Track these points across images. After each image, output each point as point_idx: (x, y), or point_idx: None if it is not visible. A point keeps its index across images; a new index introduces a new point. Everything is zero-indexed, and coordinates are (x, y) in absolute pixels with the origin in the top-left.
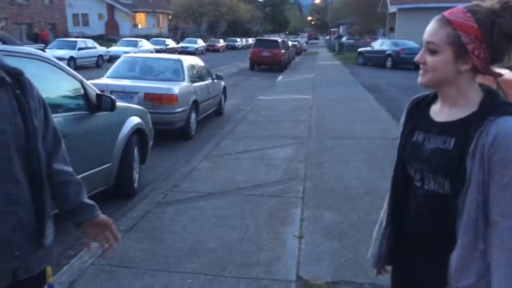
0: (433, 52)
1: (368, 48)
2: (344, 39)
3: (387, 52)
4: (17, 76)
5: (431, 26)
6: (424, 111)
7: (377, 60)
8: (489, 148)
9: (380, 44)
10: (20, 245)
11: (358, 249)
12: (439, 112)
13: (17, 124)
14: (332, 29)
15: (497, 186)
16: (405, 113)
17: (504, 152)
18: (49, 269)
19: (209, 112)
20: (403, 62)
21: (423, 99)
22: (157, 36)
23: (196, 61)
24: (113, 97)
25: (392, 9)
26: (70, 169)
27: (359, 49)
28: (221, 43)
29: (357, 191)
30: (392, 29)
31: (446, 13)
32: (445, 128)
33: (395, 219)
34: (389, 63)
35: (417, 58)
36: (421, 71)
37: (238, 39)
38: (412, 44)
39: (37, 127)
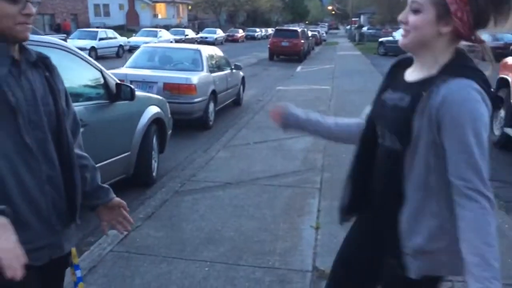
0: (416, 11)
1: (390, 38)
2: (364, 29)
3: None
4: (45, 60)
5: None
6: (402, 72)
7: (399, 50)
8: (438, 108)
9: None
10: (55, 224)
11: None
12: (411, 73)
13: (49, 104)
14: (353, 19)
15: (452, 149)
16: (386, 72)
17: (454, 114)
18: (74, 250)
19: (227, 102)
20: None
21: (405, 60)
22: (177, 26)
23: (215, 51)
24: (132, 86)
25: None
26: (85, 154)
27: (380, 39)
28: (241, 33)
29: None
30: None
31: None
32: (407, 87)
33: (359, 173)
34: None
35: (400, 16)
36: (402, 32)
37: (258, 29)
38: None
39: (65, 109)
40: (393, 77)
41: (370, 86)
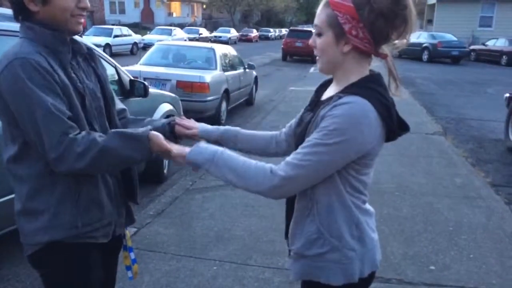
0: (319, 34)
1: None
2: None
3: (424, 45)
4: (89, 51)
5: (318, 9)
6: (322, 92)
7: (413, 53)
8: (322, 117)
9: (416, 37)
10: (119, 202)
11: (386, 244)
12: (327, 92)
13: (98, 92)
14: None
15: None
16: (313, 93)
17: (328, 120)
18: (128, 233)
19: (240, 101)
20: (441, 55)
21: (328, 82)
22: (191, 25)
23: (229, 50)
24: (146, 83)
25: (431, 0)
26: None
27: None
28: (254, 33)
29: (387, 186)
30: (430, 22)
31: None
32: (317, 104)
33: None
34: (425, 56)
35: (309, 41)
36: (317, 58)
37: (271, 29)
38: (450, 37)
39: (113, 95)
40: (315, 97)
41: None
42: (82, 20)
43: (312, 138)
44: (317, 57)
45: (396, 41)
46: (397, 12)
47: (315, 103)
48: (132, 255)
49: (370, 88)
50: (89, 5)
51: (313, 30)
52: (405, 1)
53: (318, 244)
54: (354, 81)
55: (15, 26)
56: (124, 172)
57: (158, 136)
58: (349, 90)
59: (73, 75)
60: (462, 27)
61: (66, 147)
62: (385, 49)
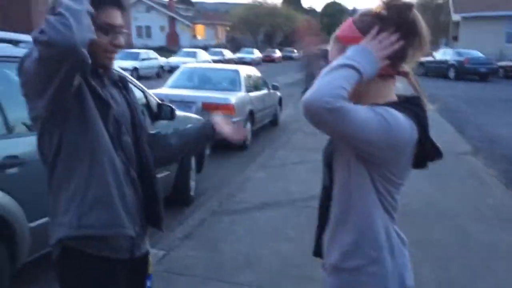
0: None
1: (429, 58)
2: None
3: (449, 62)
4: (122, 79)
5: (329, 46)
6: None
7: (439, 71)
8: None
9: (442, 54)
10: (138, 223)
11: (418, 269)
12: None
13: (128, 118)
14: None
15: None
16: None
17: None
18: (150, 259)
19: (265, 122)
20: (468, 72)
21: None
22: (215, 47)
23: (253, 71)
24: (173, 106)
25: (455, 17)
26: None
27: (420, 59)
28: (278, 53)
29: (417, 207)
30: (455, 39)
31: (338, 30)
32: None
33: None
34: (452, 73)
35: None
36: None
37: (295, 50)
38: (477, 54)
39: (143, 122)
40: None
41: None
42: (115, 55)
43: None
44: None
45: (415, 56)
46: (408, 29)
47: None
48: (148, 283)
49: (404, 106)
50: (123, 43)
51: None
52: (414, 17)
53: (357, 256)
54: (386, 102)
55: (18, 51)
56: (148, 195)
57: None
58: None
59: (93, 83)
60: (488, 43)
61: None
62: (405, 66)
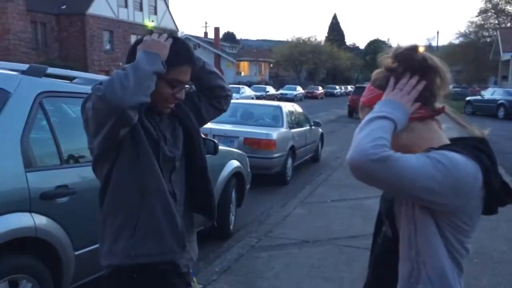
0: None
1: (478, 97)
2: (450, 87)
3: (499, 102)
4: (181, 111)
5: (360, 114)
6: None
7: (488, 110)
8: None
9: (491, 93)
10: (181, 236)
11: None
12: None
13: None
14: None
15: None
16: None
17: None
18: (195, 281)
19: (305, 158)
20: None
21: None
22: (258, 83)
23: (295, 107)
24: (216, 141)
25: (505, 56)
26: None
27: (468, 98)
28: (320, 90)
29: None
30: (505, 78)
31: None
32: None
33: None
34: (501, 113)
35: None
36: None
37: (337, 86)
38: None
39: (202, 151)
40: None
41: None
42: (171, 107)
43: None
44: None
45: (441, 91)
46: (420, 68)
47: None
48: None
49: (462, 146)
50: (183, 97)
51: None
52: (419, 56)
53: None
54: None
55: (73, 87)
56: (198, 189)
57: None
58: (444, 147)
59: (148, 124)
60: None
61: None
62: (438, 104)
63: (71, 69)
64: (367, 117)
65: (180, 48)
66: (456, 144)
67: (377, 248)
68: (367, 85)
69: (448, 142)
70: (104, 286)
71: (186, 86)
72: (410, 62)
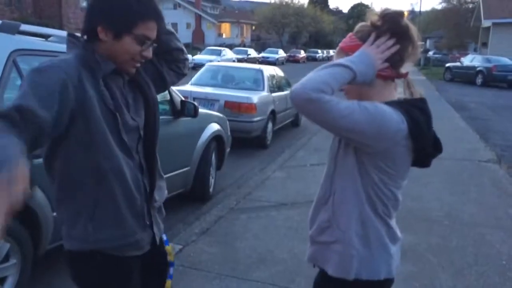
0: None
1: (457, 64)
2: (430, 53)
3: (478, 69)
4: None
5: (334, 57)
6: None
7: (466, 77)
8: None
9: (470, 60)
10: (145, 219)
11: (434, 275)
12: None
13: (141, 110)
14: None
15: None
16: None
17: None
18: (169, 248)
19: (286, 122)
20: (495, 79)
21: None
22: (239, 46)
23: (276, 71)
24: (196, 104)
25: (486, 23)
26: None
27: (447, 64)
28: (302, 54)
29: (436, 214)
30: (484, 45)
31: (341, 43)
32: None
33: None
34: (479, 80)
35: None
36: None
37: (319, 51)
38: (506, 61)
39: (158, 123)
40: None
41: (435, 112)
42: (136, 67)
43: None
44: (346, 96)
45: (410, 60)
46: (402, 32)
47: None
48: (171, 270)
49: (397, 104)
50: (151, 55)
51: None
52: (406, 23)
53: (327, 233)
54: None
55: (48, 45)
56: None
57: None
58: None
59: (105, 92)
60: None
61: None
62: (403, 70)
63: (46, 26)
64: (335, 61)
65: (146, 0)
66: (397, 102)
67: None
68: (349, 34)
69: (394, 99)
70: (69, 270)
71: (153, 44)
72: (394, 24)
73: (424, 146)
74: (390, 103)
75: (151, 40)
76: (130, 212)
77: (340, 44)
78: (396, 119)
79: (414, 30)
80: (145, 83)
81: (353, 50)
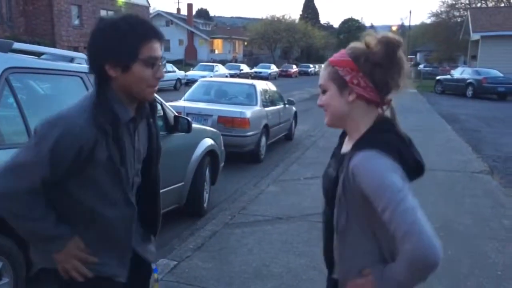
0: (323, 92)
1: (447, 76)
2: (421, 66)
3: (468, 81)
4: (153, 108)
5: (321, 72)
6: (342, 142)
7: (457, 89)
8: (348, 180)
9: (460, 72)
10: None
11: (430, 286)
12: (345, 144)
13: (145, 150)
14: (409, 56)
15: (380, 213)
16: (338, 142)
17: (363, 184)
18: (155, 277)
19: (279, 136)
20: (486, 91)
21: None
22: (231, 61)
23: (269, 86)
24: (189, 119)
25: (474, 36)
26: None
27: (438, 77)
28: (294, 68)
29: (431, 225)
30: (474, 57)
31: (330, 57)
32: (339, 157)
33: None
34: (470, 92)
35: (318, 102)
36: (325, 114)
37: (311, 65)
38: (495, 73)
39: (158, 150)
40: (339, 144)
41: (427, 125)
42: (154, 90)
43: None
44: (325, 113)
45: (397, 88)
46: (393, 61)
47: (337, 155)
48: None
49: (379, 136)
50: (164, 75)
51: (320, 90)
52: (400, 54)
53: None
54: (367, 131)
55: (68, 66)
56: (150, 206)
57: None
58: (361, 143)
59: (114, 151)
60: (508, 63)
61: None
62: (388, 97)
63: (39, 44)
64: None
65: (142, 23)
66: (375, 135)
67: (322, 225)
68: (342, 50)
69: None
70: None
71: (162, 62)
72: (389, 52)
73: (411, 171)
74: (371, 143)
75: (159, 59)
76: (110, 255)
77: (330, 58)
78: (400, 177)
79: (405, 61)
80: (155, 131)
81: (341, 65)
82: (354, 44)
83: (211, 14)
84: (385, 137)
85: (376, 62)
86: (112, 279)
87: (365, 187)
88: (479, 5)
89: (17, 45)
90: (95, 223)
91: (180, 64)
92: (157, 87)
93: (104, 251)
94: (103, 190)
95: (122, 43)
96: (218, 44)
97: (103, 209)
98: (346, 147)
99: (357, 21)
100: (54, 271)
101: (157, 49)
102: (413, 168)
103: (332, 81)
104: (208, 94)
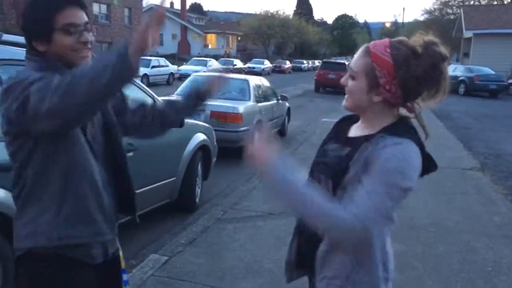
0: (352, 77)
1: None
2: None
3: (460, 78)
4: None
5: (357, 53)
6: (346, 128)
7: (449, 86)
8: (367, 158)
9: (453, 70)
10: (113, 222)
11: (421, 282)
12: (355, 129)
13: (101, 120)
14: None
15: (362, 189)
16: (332, 127)
17: (377, 162)
18: (121, 254)
19: (272, 132)
20: (478, 89)
21: (350, 118)
22: (223, 56)
23: (263, 81)
24: None
25: (467, 34)
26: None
27: None
28: (288, 64)
29: (422, 222)
30: (466, 55)
31: (372, 43)
32: (349, 140)
33: (303, 223)
34: (462, 89)
35: (342, 79)
36: (346, 95)
37: (305, 61)
38: (487, 70)
39: (114, 120)
40: (337, 132)
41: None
42: (86, 54)
43: (373, 180)
44: (346, 95)
45: (424, 101)
46: (432, 77)
47: (342, 138)
48: (125, 277)
49: (408, 129)
50: (89, 39)
51: (348, 68)
52: (442, 69)
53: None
54: (389, 123)
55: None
56: (120, 185)
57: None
58: (389, 131)
59: None
60: (499, 60)
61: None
62: (413, 103)
63: None
64: None
65: None
66: (404, 128)
67: None
68: (386, 40)
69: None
70: (18, 273)
71: (88, 27)
72: (431, 63)
73: (427, 168)
74: (404, 133)
75: (81, 25)
76: (99, 212)
77: (371, 47)
78: (419, 164)
79: (447, 78)
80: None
81: (380, 65)
82: (400, 43)
83: (205, 8)
84: (414, 131)
85: (416, 74)
86: (86, 264)
87: (377, 164)
88: (472, 2)
89: (6, 37)
90: (74, 179)
91: (173, 58)
92: (88, 50)
93: (92, 211)
94: (80, 145)
95: (38, 16)
96: (211, 39)
97: (81, 163)
98: (357, 132)
99: (351, 17)
100: (26, 259)
101: (73, 15)
102: (426, 167)
103: (365, 75)
104: None
